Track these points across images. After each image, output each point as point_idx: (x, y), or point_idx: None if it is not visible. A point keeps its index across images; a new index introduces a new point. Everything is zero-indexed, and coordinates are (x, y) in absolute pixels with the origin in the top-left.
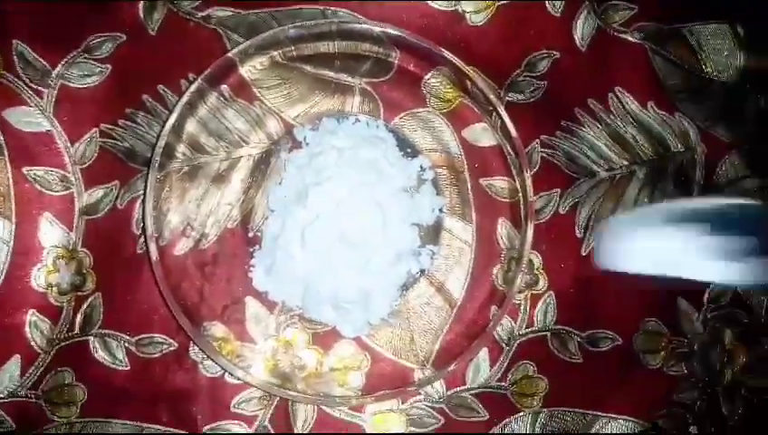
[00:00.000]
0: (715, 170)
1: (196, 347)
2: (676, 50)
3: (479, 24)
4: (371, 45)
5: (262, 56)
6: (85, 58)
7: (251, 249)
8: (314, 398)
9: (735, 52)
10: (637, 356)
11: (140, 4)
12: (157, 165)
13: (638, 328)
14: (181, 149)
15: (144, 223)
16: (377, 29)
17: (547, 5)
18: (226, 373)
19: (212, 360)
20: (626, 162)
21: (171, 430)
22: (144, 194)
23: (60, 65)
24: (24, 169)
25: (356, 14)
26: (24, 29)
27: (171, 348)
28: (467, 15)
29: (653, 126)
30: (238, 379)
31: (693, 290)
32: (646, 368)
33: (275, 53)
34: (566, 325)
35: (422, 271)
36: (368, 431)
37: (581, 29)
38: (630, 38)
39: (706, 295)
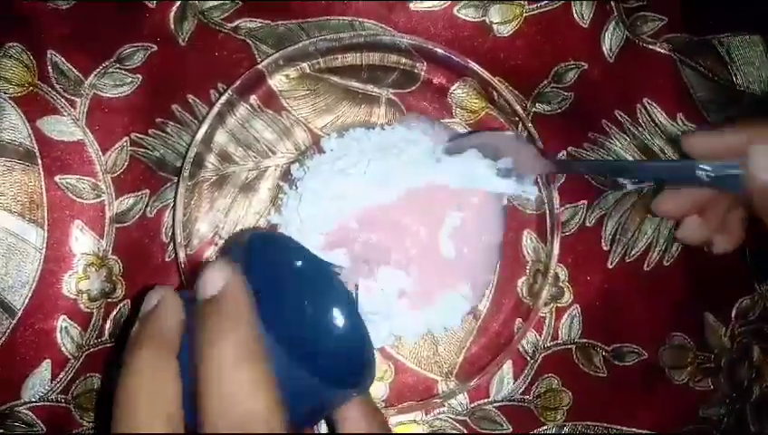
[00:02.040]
0: None
1: None
2: (705, 61)
3: (506, 35)
4: (398, 56)
5: (291, 67)
6: (117, 68)
7: None
8: None
9: (767, 63)
10: (662, 371)
11: (171, 15)
12: (187, 174)
13: (664, 342)
14: (210, 158)
15: (174, 231)
16: (404, 41)
17: (575, 16)
18: None
19: None
20: None
21: None
22: (174, 202)
23: (92, 75)
24: (57, 178)
25: (384, 25)
26: (59, 40)
27: None
28: (494, 26)
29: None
30: None
31: (720, 305)
32: (671, 383)
33: (304, 64)
34: (591, 339)
35: None
36: None
37: (610, 40)
38: (659, 49)
39: (734, 310)
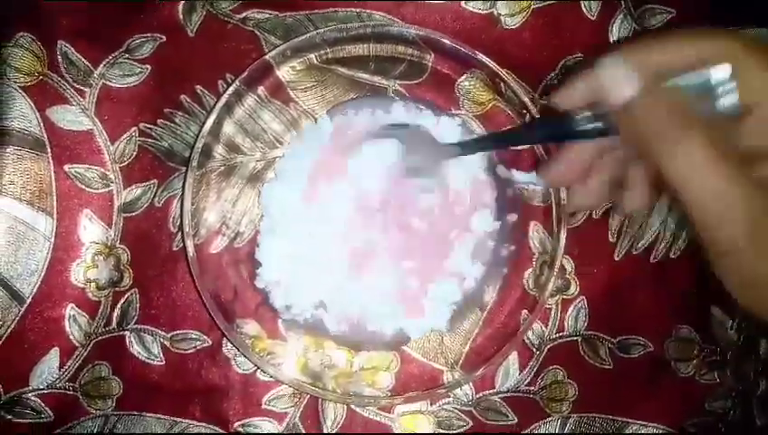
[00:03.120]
0: None
1: (229, 344)
2: None
3: (514, 26)
4: (406, 48)
5: (298, 58)
6: (126, 58)
7: None
8: (344, 397)
9: None
10: (668, 363)
11: (180, 6)
12: (195, 164)
13: (670, 335)
14: (218, 149)
15: (181, 221)
16: (412, 32)
17: (582, 8)
18: (258, 371)
19: (245, 356)
20: None
21: (203, 425)
22: (182, 192)
23: (101, 65)
24: (66, 167)
25: (391, 16)
26: (69, 30)
27: (205, 344)
28: (502, 18)
29: None
30: (270, 376)
31: (727, 297)
32: (677, 376)
33: (312, 55)
34: (597, 331)
35: None
36: (396, 432)
37: (618, 32)
38: None
39: None
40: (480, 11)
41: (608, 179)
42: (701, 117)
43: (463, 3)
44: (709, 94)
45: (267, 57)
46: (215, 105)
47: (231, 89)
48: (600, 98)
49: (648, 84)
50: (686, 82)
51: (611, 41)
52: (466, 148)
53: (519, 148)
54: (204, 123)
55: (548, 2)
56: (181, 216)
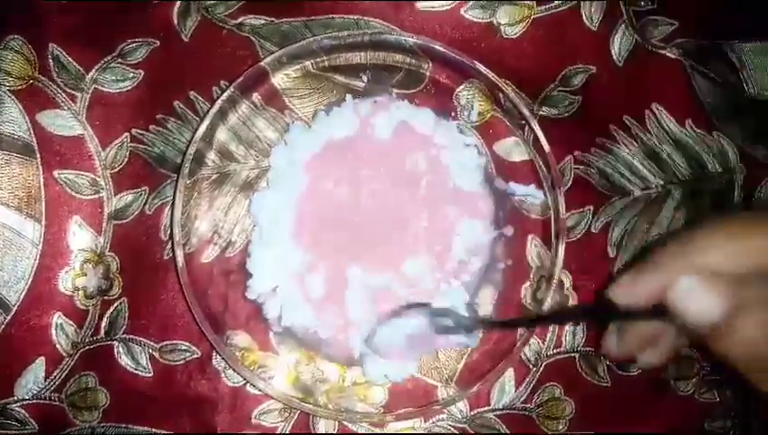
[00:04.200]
0: (754, 193)
1: (219, 356)
2: (716, 67)
3: (514, 36)
4: (404, 56)
5: (294, 65)
6: (119, 63)
7: None
8: (335, 413)
9: None
10: (667, 382)
11: (174, 11)
12: (186, 171)
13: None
14: (211, 156)
15: (171, 229)
16: (410, 40)
17: (584, 19)
18: (248, 383)
19: (234, 370)
20: (661, 181)
21: None
22: (173, 200)
23: (94, 70)
24: (56, 172)
25: (389, 24)
26: (61, 34)
27: (194, 356)
28: (502, 28)
29: (690, 145)
30: (259, 390)
31: None
32: (676, 394)
33: (307, 62)
34: (595, 347)
35: None
36: None
37: (619, 44)
38: (669, 54)
39: None
40: (480, 20)
41: (673, 343)
42: None
43: (462, 11)
44: None
45: (262, 63)
46: (208, 111)
47: (225, 95)
48: (674, 311)
49: (731, 301)
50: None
51: (613, 56)
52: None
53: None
54: (196, 129)
55: (548, 12)
56: (171, 224)
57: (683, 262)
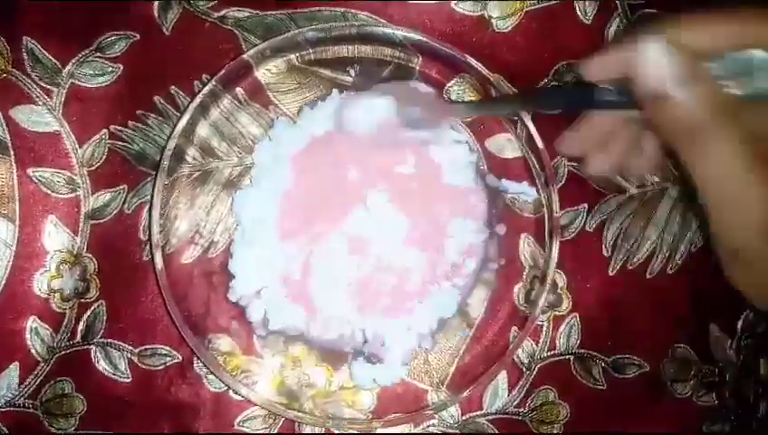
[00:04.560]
0: None
1: (200, 360)
2: None
3: (505, 30)
4: (393, 50)
5: (278, 59)
6: (97, 57)
7: None
8: (322, 420)
9: None
10: (664, 384)
11: (155, 3)
12: (165, 169)
13: (666, 354)
14: (192, 152)
15: (150, 230)
16: (399, 33)
17: (577, 12)
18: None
19: (215, 375)
20: (657, 179)
21: None
22: (151, 199)
23: (70, 64)
24: (30, 170)
25: (377, 17)
26: (36, 26)
27: (175, 360)
28: (493, 21)
29: None
30: (242, 396)
31: (726, 315)
32: (674, 397)
33: (292, 55)
34: (590, 349)
35: None
36: None
37: (614, 37)
38: None
39: (740, 322)
40: (471, 13)
41: (624, 148)
42: (735, 106)
43: (453, 4)
44: (748, 76)
45: (245, 56)
46: (188, 105)
47: (206, 88)
48: (633, 75)
49: (687, 72)
50: (726, 64)
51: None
52: (472, 110)
53: (534, 113)
54: (176, 124)
55: (541, 5)
56: (149, 224)
57: (655, 35)
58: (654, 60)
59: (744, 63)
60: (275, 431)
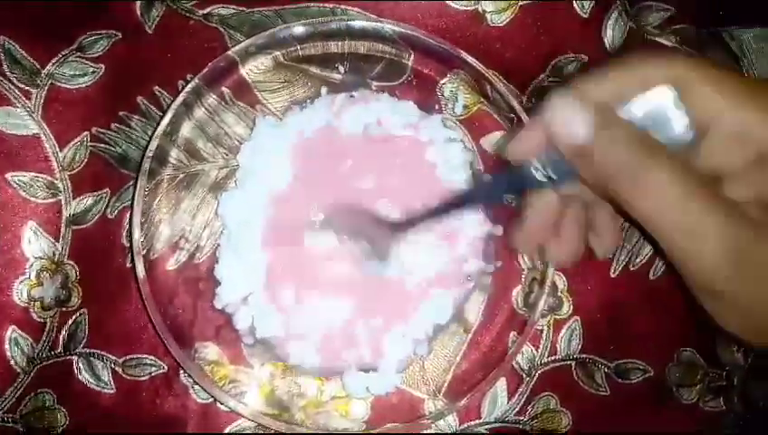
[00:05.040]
0: None
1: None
2: (714, 55)
3: (500, 24)
4: (384, 46)
5: (264, 56)
6: (77, 57)
7: None
8: (313, 431)
9: None
10: (670, 389)
11: (138, 2)
12: (147, 171)
13: (671, 358)
14: (175, 154)
15: (131, 235)
16: (389, 28)
17: (574, 6)
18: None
19: (201, 387)
20: None
21: None
22: (132, 203)
23: (50, 64)
24: (8, 175)
25: (367, 13)
26: (13, 25)
27: (160, 371)
28: (488, 16)
29: None
30: (230, 408)
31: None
32: (679, 403)
33: (279, 52)
34: (592, 354)
35: None
36: None
37: (612, 31)
38: (665, 41)
39: None
40: (464, 7)
41: (580, 226)
42: (656, 141)
43: None
44: (662, 125)
45: (230, 53)
46: (170, 104)
47: (189, 87)
48: (553, 140)
49: (599, 118)
50: (637, 110)
51: (606, 44)
52: (413, 223)
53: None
54: (158, 124)
55: None
56: (130, 229)
57: (562, 94)
58: (566, 115)
59: (654, 112)
60: None
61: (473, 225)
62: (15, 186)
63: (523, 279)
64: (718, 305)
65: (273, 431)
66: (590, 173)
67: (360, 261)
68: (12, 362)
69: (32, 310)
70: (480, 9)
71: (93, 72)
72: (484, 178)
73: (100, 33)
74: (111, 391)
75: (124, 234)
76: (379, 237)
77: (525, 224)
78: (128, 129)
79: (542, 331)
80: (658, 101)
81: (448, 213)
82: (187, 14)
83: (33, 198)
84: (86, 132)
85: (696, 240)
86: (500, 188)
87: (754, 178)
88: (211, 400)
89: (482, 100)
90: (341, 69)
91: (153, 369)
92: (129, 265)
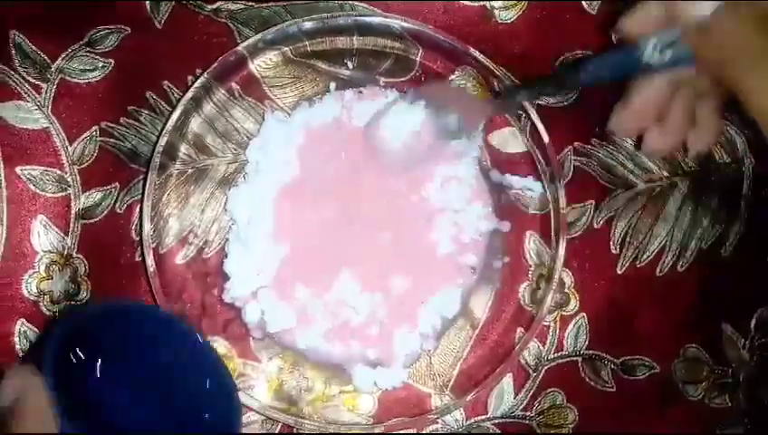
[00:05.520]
0: (764, 184)
1: None
2: None
3: (509, 20)
4: (392, 42)
5: (273, 51)
6: (87, 51)
7: None
8: (321, 424)
9: None
10: (676, 386)
11: None
12: (157, 166)
13: (677, 355)
14: (184, 149)
15: (141, 229)
16: (398, 23)
17: (582, 2)
18: None
19: None
20: (666, 174)
21: None
22: (142, 197)
23: (60, 59)
24: (18, 169)
25: (376, 8)
26: (24, 20)
27: None
28: (496, 12)
29: None
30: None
31: (739, 314)
32: (686, 399)
33: (287, 48)
34: (599, 350)
35: None
36: None
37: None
38: None
39: (754, 320)
40: (472, 3)
41: (686, 117)
42: None
43: None
44: None
45: (239, 48)
46: (180, 99)
47: (198, 82)
48: (673, 14)
49: None
50: None
51: (614, 40)
52: (512, 97)
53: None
54: (167, 119)
55: None
56: (140, 223)
57: None
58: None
59: None
60: None
61: (480, 220)
62: (25, 180)
63: (530, 275)
64: None
65: (279, 427)
66: (711, 54)
67: (439, 133)
68: (21, 356)
69: (41, 304)
70: (488, 6)
71: (103, 66)
72: (594, 58)
73: (110, 29)
74: None
75: (133, 228)
76: (471, 109)
77: (629, 106)
78: (137, 123)
79: (548, 327)
80: None
81: (555, 88)
82: (197, 10)
83: (42, 192)
84: (95, 127)
85: None
86: (609, 67)
87: None
88: None
89: (490, 96)
90: (350, 65)
91: None
92: (137, 259)
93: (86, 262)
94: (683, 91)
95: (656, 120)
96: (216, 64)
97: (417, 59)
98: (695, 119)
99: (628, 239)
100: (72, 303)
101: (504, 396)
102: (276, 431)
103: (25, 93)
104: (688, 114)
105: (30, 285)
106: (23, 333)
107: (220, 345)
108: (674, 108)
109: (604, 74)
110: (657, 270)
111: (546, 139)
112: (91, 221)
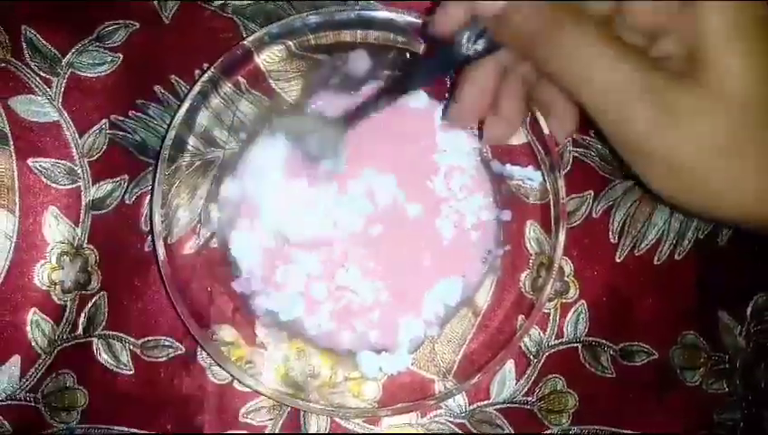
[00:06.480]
0: None
1: (204, 352)
2: None
3: None
4: (395, 35)
5: (278, 45)
6: (96, 46)
7: None
8: (327, 409)
9: None
10: (674, 372)
11: None
12: (166, 158)
13: (675, 341)
14: (193, 141)
15: (151, 220)
16: (401, 18)
17: None
18: (235, 380)
19: (220, 366)
20: None
21: None
22: (152, 189)
23: (70, 53)
24: (30, 161)
25: (379, 2)
26: (35, 14)
27: (178, 352)
28: None
29: None
30: (248, 387)
31: (735, 302)
32: (683, 385)
33: (292, 42)
34: (598, 337)
35: None
36: None
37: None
38: None
39: (750, 308)
40: None
41: (518, 102)
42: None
43: None
44: None
45: (245, 42)
46: (188, 93)
47: (205, 76)
48: (472, 9)
49: None
50: None
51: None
52: (357, 114)
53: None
54: (176, 113)
55: None
56: (151, 214)
57: None
58: None
59: None
60: (281, 422)
61: (482, 209)
62: (37, 172)
63: (530, 264)
64: (650, 166)
65: (287, 411)
66: (508, 37)
67: (317, 162)
68: (33, 344)
69: (52, 293)
70: None
71: (112, 61)
72: (420, 60)
73: (119, 24)
74: (130, 372)
75: (142, 219)
76: (327, 134)
77: (460, 97)
78: (145, 117)
79: (549, 314)
80: None
81: (391, 100)
82: (203, 5)
83: (53, 184)
84: (105, 120)
85: (627, 99)
86: (435, 66)
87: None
88: (227, 381)
89: None
90: None
91: (171, 350)
92: (147, 249)
93: (96, 252)
94: (510, 77)
95: (491, 110)
96: (222, 59)
97: (420, 52)
98: (550, 108)
99: (626, 228)
100: (83, 293)
101: (505, 382)
102: (283, 417)
103: (36, 87)
104: (520, 100)
105: (42, 275)
106: (34, 322)
107: (228, 333)
108: (504, 95)
109: (435, 72)
110: (655, 259)
111: (546, 130)
112: (102, 212)
